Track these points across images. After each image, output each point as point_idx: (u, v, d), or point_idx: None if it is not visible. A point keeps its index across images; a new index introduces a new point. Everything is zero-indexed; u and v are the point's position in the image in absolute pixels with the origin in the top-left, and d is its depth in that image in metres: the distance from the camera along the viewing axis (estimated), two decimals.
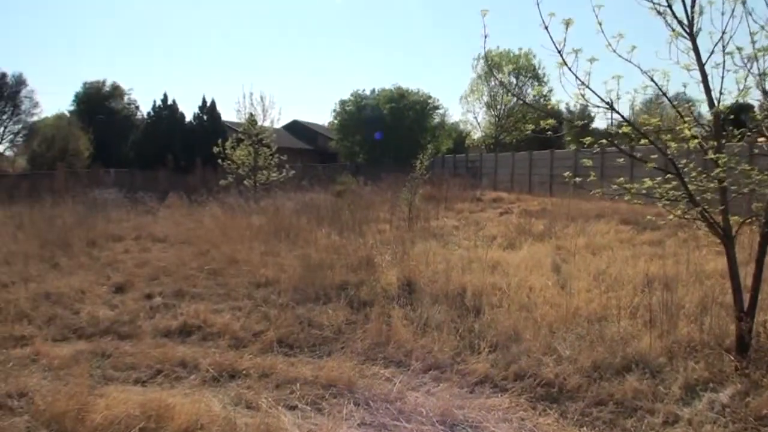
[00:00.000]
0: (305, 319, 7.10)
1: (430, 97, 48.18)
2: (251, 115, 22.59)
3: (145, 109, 40.88)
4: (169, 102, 37.84)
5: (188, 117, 38.14)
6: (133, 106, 44.19)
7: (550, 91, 38.55)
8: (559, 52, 4.93)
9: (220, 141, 21.46)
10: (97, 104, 40.56)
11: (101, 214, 17.32)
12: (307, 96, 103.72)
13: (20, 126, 39.16)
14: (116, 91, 42.98)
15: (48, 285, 8.99)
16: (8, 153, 40.02)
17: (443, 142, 47.99)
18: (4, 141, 38.69)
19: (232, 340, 6.48)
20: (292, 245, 11.80)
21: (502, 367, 5.43)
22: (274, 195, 19.90)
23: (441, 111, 49.50)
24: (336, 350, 6.20)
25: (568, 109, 39.25)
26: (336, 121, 48.96)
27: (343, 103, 47.60)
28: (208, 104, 37.94)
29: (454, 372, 5.44)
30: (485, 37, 5.30)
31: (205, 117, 37.62)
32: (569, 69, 4.98)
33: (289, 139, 50.76)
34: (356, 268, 9.42)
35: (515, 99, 44.35)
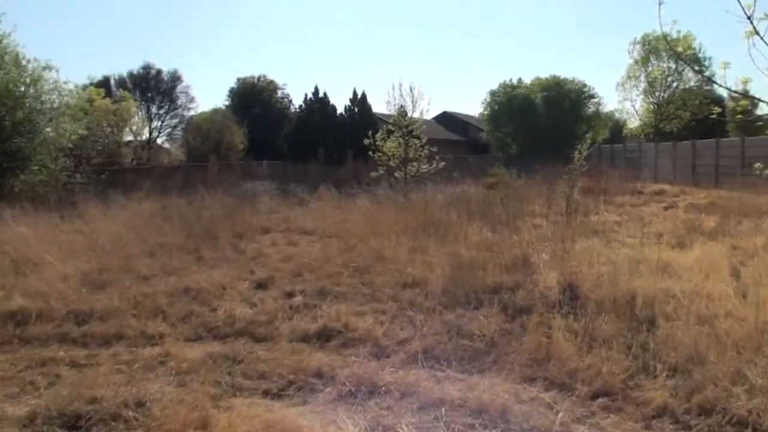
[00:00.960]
0: (454, 327, 6.55)
1: (585, 86, 47.27)
2: (401, 106, 22.81)
3: (298, 102, 42.96)
4: (321, 95, 39.35)
5: (339, 109, 39.47)
6: (286, 100, 46.66)
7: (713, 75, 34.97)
8: (749, 17, 4.42)
9: (370, 133, 22.04)
10: (252, 99, 43.29)
11: (251, 206, 18.17)
12: (458, 87, 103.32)
13: (177, 120, 43.09)
14: (270, 86, 45.62)
15: (188, 279, 9.25)
16: (166, 145, 44.06)
17: (599, 132, 46.95)
18: (161, 134, 42.67)
19: (374, 347, 6.07)
20: (441, 241, 11.41)
21: (684, 396, 4.85)
22: (424, 187, 19.72)
23: (596, 99, 48.22)
24: (488, 366, 5.62)
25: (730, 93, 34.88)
26: (486, 112, 48.65)
27: (492, 93, 47.55)
28: (359, 96, 38.88)
29: (626, 400, 4.90)
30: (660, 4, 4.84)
31: (355, 109, 38.69)
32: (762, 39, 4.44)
33: (440, 130, 50.90)
34: (511, 268, 8.83)
35: (675, 84, 43.14)
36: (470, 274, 8.39)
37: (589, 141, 18.13)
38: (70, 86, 22.80)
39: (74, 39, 73.18)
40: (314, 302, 7.78)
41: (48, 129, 21.37)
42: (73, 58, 72.66)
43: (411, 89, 23.22)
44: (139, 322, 7.24)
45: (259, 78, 45.88)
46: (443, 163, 22.18)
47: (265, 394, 5.10)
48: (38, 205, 18.73)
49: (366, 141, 22.24)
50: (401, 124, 22.34)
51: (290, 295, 8.30)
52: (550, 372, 5.29)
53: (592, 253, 9.17)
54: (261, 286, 8.93)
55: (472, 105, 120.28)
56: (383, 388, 5.02)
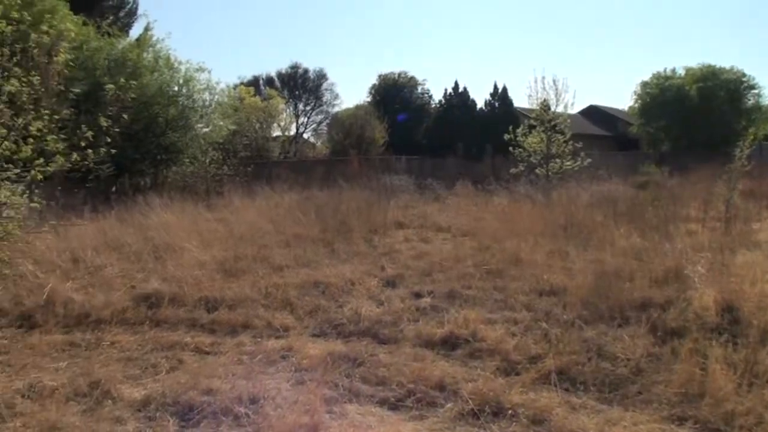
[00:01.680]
0: (594, 346, 5.77)
1: (744, 75, 42.43)
2: (544, 100, 21.84)
3: (437, 98, 42.82)
4: (460, 90, 38.83)
5: (479, 104, 38.75)
6: (426, 95, 46.66)
7: None
8: None
9: (511, 128, 21.27)
10: (392, 95, 43.75)
11: (387, 201, 18.11)
12: (606, 79, 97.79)
13: (322, 116, 44.50)
14: (410, 82, 45.86)
15: (319, 272, 9.18)
16: (311, 140, 45.52)
17: (761, 127, 41.29)
18: (307, 130, 44.19)
19: (502, 362, 5.52)
20: (583, 245, 10.57)
21: None
22: (567, 186, 18.63)
23: (756, 91, 43.07)
24: (632, 397, 4.83)
25: None
26: (636, 105, 45.21)
27: (644, 85, 44.02)
28: (500, 90, 37.91)
29: None
30: None
31: (496, 103, 37.79)
32: None
33: (585, 125, 48.22)
34: (662, 281, 7.79)
35: None
36: (615, 285, 7.53)
37: (750, 137, 16.26)
38: (221, 86, 24.07)
39: (226, 43, 77.85)
40: (442, 305, 7.36)
41: (200, 125, 22.68)
42: (226, 60, 77.34)
43: (554, 82, 22.29)
44: (267, 313, 7.22)
45: (399, 74, 46.20)
46: (588, 160, 21.10)
47: (382, 403, 4.75)
48: (188, 194, 19.92)
49: (506, 136, 21.68)
50: (544, 118, 21.55)
51: (418, 295, 7.94)
52: (702, 412, 4.45)
53: (756, 269, 7.94)
54: (390, 283, 8.65)
55: (620, 98, 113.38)
56: (510, 411, 4.48)
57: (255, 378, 5.15)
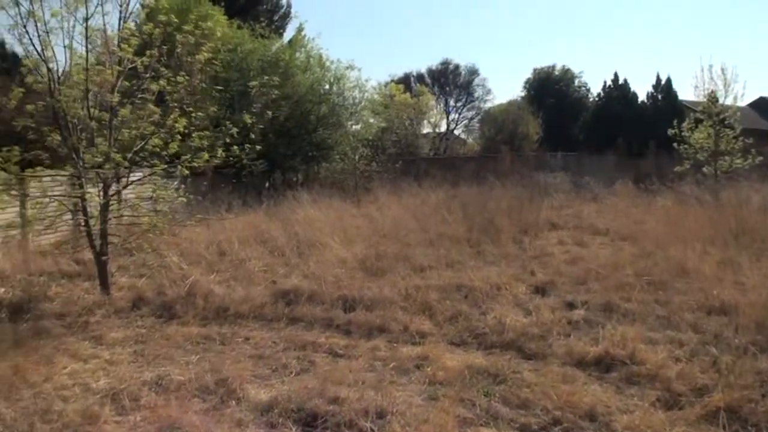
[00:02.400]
0: None
1: None
2: (712, 91, 19.75)
3: (596, 91, 40.62)
4: (620, 82, 36.53)
5: (641, 97, 36.19)
6: (583, 89, 44.52)
7: None
8: None
9: (675, 122, 19.51)
10: (547, 88, 42.17)
11: (540, 200, 17.21)
12: None
13: (473, 112, 43.70)
14: (566, 75, 43.97)
15: (464, 275, 8.70)
16: (462, 137, 44.92)
17: None
18: (458, 126, 43.60)
19: (663, 391, 4.69)
20: (757, 256, 9.30)
21: None
22: (738, 186, 16.56)
23: None
24: None
25: None
26: None
27: None
28: (663, 82, 35.16)
29: None
30: None
31: (659, 96, 35.05)
32: None
33: (755, 118, 43.05)
34: None
35: None
36: None
37: None
38: (371, 83, 24.30)
39: (378, 41, 78.94)
40: (597, 319, 6.58)
41: (350, 122, 23.01)
42: (377, 58, 78.31)
43: (723, 71, 20.06)
44: (405, 317, 6.85)
45: (554, 67, 44.42)
46: (760, 158, 18.86)
47: (523, 429, 4.17)
48: (336, 190, 20.22)
49: (670, 131, 19.97)
50: (711, 111, 19.58)
51: (571, 306, 7.20)
52: None
53: None
54: (539, 290, 7.97)
55: None
56: None
57: (385, 389, 4.76)
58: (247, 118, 8.76)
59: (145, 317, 7.16)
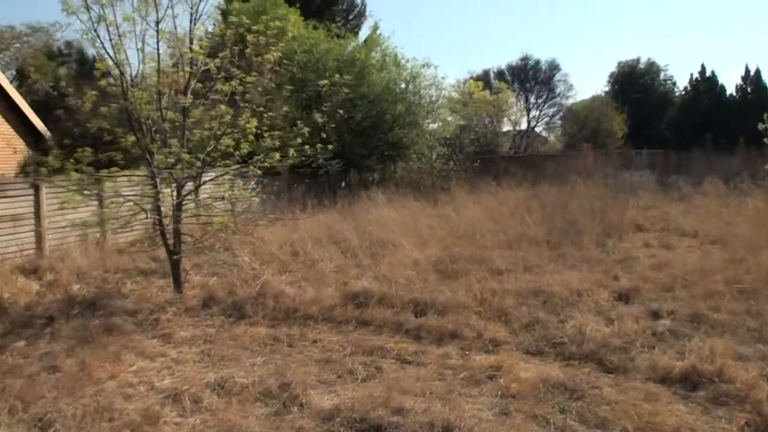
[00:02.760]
0: None
1: None
2: None
3: (682, 84, 38.76)
4: (707, 74, 34.62)
5: (729, 90, 34.19)
6: (669, 82, 42.55)
7: None
8: None
9: (765, 116, 18.17)
10: (632, 83, 40.60)
11: (624, 199, 16.44)
12: None
13: (555, 109, 42.48)
14: (651, 68, 42.18)
15: (542, 279, 8.34)
16: (544, 134, 43.79)
17: None
18: (539, 123, 42.49)
19: (754, 414, 4.23)
20: None
21: None
22: None
23: None
24: None
25: None
26: None
27: None
28: (752, 73, 33.05)
29: None
30: None
31: (748, 89, 32.96)
32: None
33: None
34: None
35: None
36: None
37: None
38: (450, 81, 23.90)
39: (456, 38, 77.98)
40: (684, 330, 6.09)
41: (427, 121, 22.64)
42: (455, 55, 77.28)
43: None
44: (479, 322, 6.58)
45: (639, 60, 42.66)
46: None
47: None
48: (413, 190, 20.01)
49: (760, 126, 18.56)
50: None
51: (656, 315, 6.70)
52: None
53: None
54: (623, 297, 7.49)
55: None
56: None
57: (453, 400, 4.52)
58: (319, 117, 8.67)
59: (215, 316, 7.17)
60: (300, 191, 18.18)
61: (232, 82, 7.85)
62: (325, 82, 9.95)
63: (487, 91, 32.65)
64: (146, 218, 7.91)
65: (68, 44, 31.55)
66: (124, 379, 5.22)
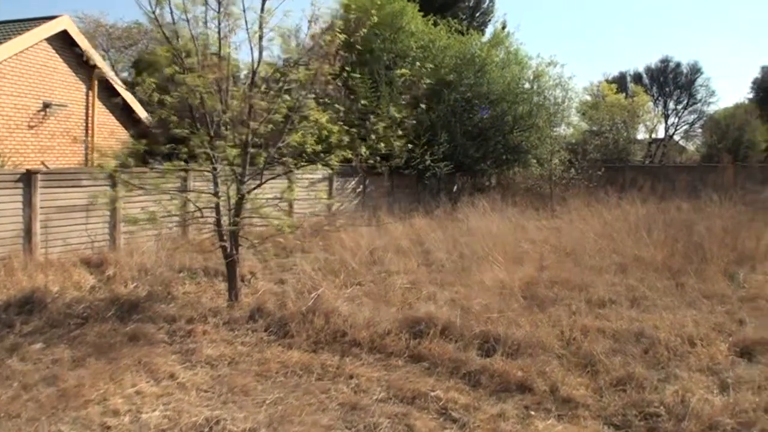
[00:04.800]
0: None
1: None
2: None
3: None
4: None
5: None
6: None
7: None
8: None
9: None
10: None
11: (765, 222, 13.95)
12: None
13: (695, 116, 38.29)
14: None
15: (651, 317, 6.77)
16: (682, 143, 39.70)
17: None
18: (678, 131, 38.51)
19: None
20: None
21: None
22: None
23: None
24: None
25: None
26: None
27: None
28: None
29: None
30: None
31: None
32: None
33: None
34: None
35: None
36: None
37: None
38: (583, 83, 21.83)
39: (592, 39, 73.46)
40: None
41: (552, 124, 20.71)
42: (591, 56, 72.59)
43: None
44: (558, 372, 5.21)
45: None
46: None
47: None
48: (530, 197, 18.39)
49: None
50: None
51: None
52: None
53: None
54: (745, 353, 5.77)
55: None
56: None
57: None
58: (395, 111, 7.52)
59: (256, 332, 6.25)
60: (404, 193, 17.17)
61: (300, 69, 6.89)
62: (405, 71, 8.71)
63: (622, 95, 29.91)
64: (201, 217, 7.12)
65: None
66: (113, 404, 4.42)
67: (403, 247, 10.19)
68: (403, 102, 8.37)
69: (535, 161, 20.40)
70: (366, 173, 14.97)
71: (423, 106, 16.35)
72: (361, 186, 16.36)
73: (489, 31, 25.95)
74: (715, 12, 70.39)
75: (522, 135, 19.65)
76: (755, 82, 37.88)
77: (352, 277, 8.07)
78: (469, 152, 18.40)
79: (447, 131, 17.51)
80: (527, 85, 20.19)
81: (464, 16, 24.77)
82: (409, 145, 7.45)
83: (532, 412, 4.56)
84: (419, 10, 19.27)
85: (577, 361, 5.50)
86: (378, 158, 7.30)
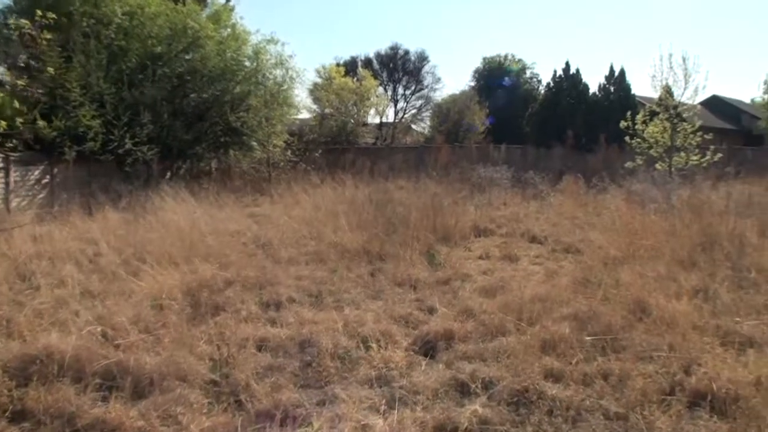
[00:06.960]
0: None
1: None
2: (667, 83, 17.25)
3: (547, 81, 37.96)
4: (572, 72, 33.74)
5: (592, 88, 33.48)
6: (534, 80, 41.92)
7: None
8: None
9: (629, 114, 17.01)
10: (497, 79, 39.52)
11: (475, 197, 14.35)
12: (729, 67, 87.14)
13: (422, 101, 40.46)
14: (517, 65, 41.30)
15: (326, 316, 5.89)
16: (412, 126, 41.62)
17: None
18: (407, 115, 40.28)
19: None
20: (738, 280, 6.79)
21: None
22: (694, 184, 13.99)
23: None
24: None
25: None
26: (766, 96, 39.17)
27: None
28: (616, 74, 32.49)
29: None
30: None
31: (611, 88, 32.33)
32: None
33: (707, 116, 41.44)
34: None
35: None
36: None
37: None
38: (315, 65, 20.87)
39: (326, 24, 75.22)
40: (495, 422, 3.72)
41: (273, 105, 19.48)
42: (323, 41, 74.23)
43: (684, 60, 17.15)
44: (192, 413, 3.93)
45: (506, 57, 41.69)
46: (719, 155, 16.62)
47: None
48: (249, 183, 17.18)
49: (622, 123, 17.47)
50: (668, 103, 16.99)
51: (463, 388, 4.30)
52: None
53: None
54: (429, 350, 5.11)
55: (744, 89, 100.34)
56: None
57: None
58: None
59: None
60: (103, 183, 14.76)
61: None
62: (25, 21, 6.48)
63: (349, 78, 29.93)
64: None
65: None
66: None
67: (71, 251, 8.29)
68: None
69: (255, 144, 19.10)
70: (54, 160, 12.47)
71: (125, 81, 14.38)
72: (48, 176, 13.70)
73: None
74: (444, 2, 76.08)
75: (241, 116, 18.21)
76: (477, 71, 41.28)
77: None
78: (178, 134, 16.46)
79: (152, 111, 15.34)
80: (247, 63, 18.74)
81: None
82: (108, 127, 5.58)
83: None
84: None
85: (222, 391, 4.30)
86: (67, 141, 5.37)
